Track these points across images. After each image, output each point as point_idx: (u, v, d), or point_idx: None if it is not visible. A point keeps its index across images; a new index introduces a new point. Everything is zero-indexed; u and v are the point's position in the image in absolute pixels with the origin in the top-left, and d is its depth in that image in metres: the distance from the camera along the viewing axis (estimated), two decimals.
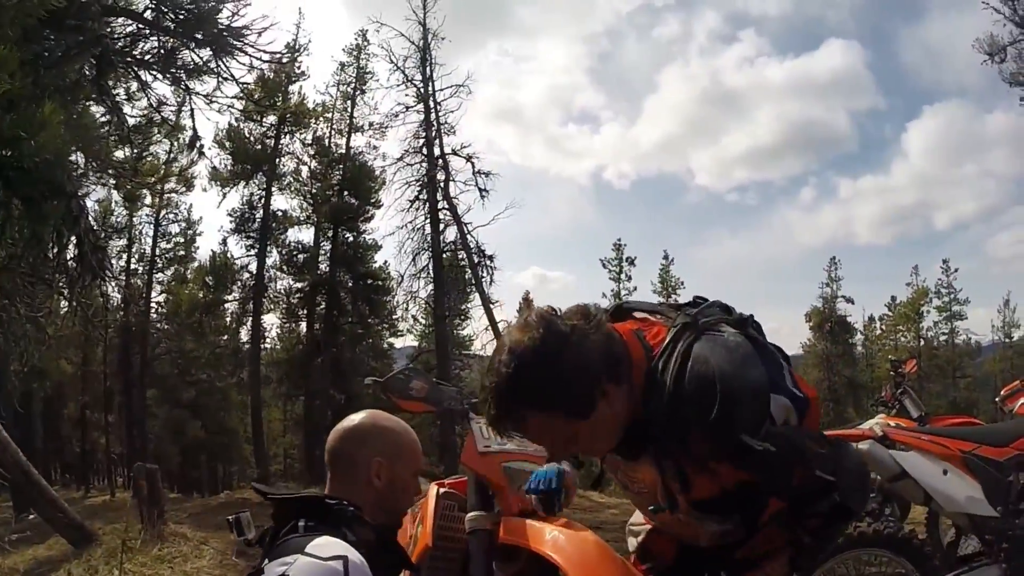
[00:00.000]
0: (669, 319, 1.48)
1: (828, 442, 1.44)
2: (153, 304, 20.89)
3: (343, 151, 19.91)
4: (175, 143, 14.76)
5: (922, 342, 24.73)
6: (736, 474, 1.42)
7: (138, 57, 5.75)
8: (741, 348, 1.36)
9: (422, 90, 18.39)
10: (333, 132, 19.97)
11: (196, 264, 21.27)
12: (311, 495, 1.54)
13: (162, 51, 5.74)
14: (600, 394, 1.35)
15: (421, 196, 18.33)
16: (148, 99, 6.53)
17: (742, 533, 1.56)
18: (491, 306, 18.30)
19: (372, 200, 20.05)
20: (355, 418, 1.60)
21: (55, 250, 4.82)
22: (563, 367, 1.31)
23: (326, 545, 1.33)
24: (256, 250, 19.54)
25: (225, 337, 21.80)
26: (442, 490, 2.37)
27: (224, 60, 5.90)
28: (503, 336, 1.42)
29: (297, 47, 17.84)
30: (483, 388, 1.40)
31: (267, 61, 6.24)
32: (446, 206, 18.27)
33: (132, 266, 20.34)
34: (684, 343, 1.37)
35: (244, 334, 21.07)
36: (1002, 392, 4.94)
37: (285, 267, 20.27)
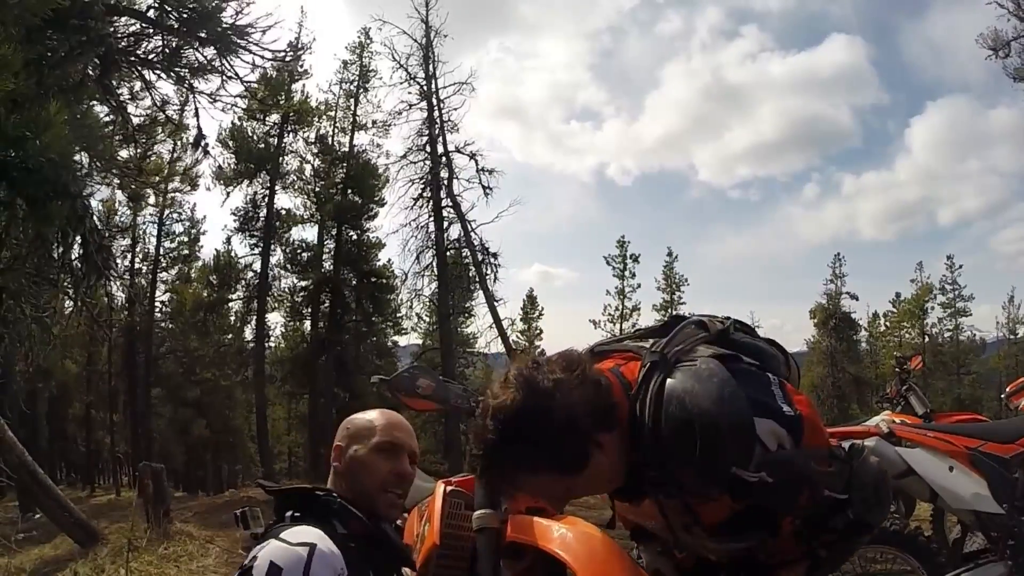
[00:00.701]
0: (641, 353, 1.41)
1: (838, 458, 1.37)
2: (157, 303, 21.00)
3: (346, 149, 19.96)
4: (179, 142, 14.82)
5: (926, 339, 24.66)
6: (741, 502, 1.37)
7: (142, 56, 5.76)
8: (716, 376, 1.28)
9: (425, 88, 18.41)
10: (336, 130, 20.05)
11: (200, 263, 21.43)
12: (300, 487, 1.57)
13: (166, 50, 5.75)
14: (594, 446, 1.30)
15: (425, 194, 18.36)
16: (152, 98, 6.55)
17: (761, 547, 1.50)
18: (495, 303, 18.36)
19: (376, 198, 20.10)
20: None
21: (60, 250, 4.83)
22: (550, 427, 1.26)
23: (299, 532, 1.39)
24: (260, 249, 19.60)
25: (229, 336, 21.88)
26: (449, 488, 2.36)
27: (228, 59, 5.90)
28: (485, 397, 1.35)
29: (300, 45, 17.82)
30: (472, 456, 1.36)
31: (270, 59, 6.24)
32: (450, 204, 18.30)
33: (136, 266, 20.44)
34: (655, 383, 1.31)
35: (248, 333, 21.18)
36: (1008, 389, 4.91)
37: (289, 266, 20.31)
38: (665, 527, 1.53)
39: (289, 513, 1.49)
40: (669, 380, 1.30)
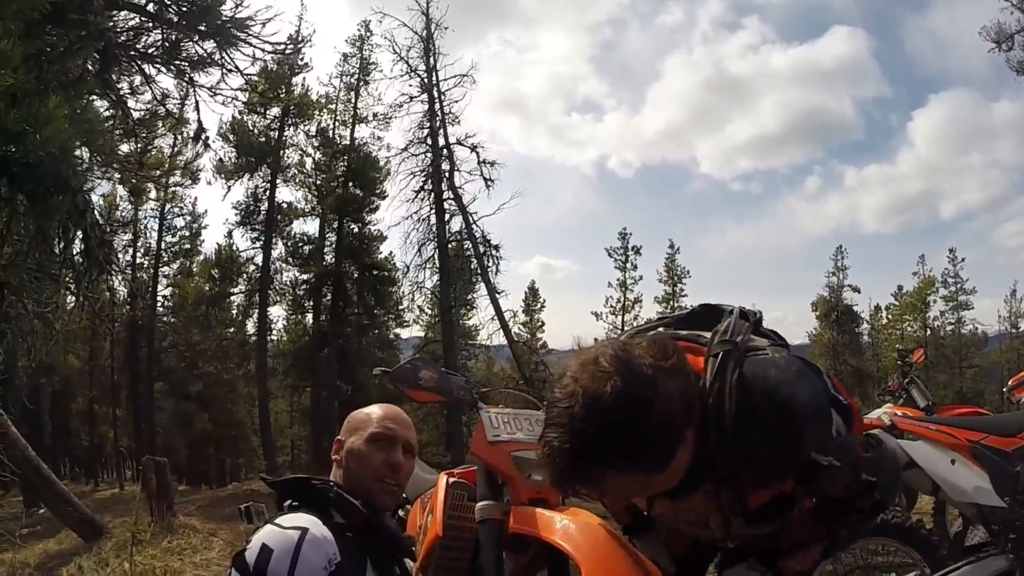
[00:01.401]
0: (700, 343, 1.39)
1: (873, 446, 1.45)
2: (159, 298, 21.05)
3: (347, 142, 19.94)
4: (179, 136, 14.81)
5: (928, 332, 24.63)
6: (789, 486, 1.41)
7: (141, 51, 5.74)
8: (793, 366, 1.31)
9: (426, 80, 18.36)
10: (337, 123, 20.04)
11: (202, 257, 21.47)
12: (298, 477, 1.61)
13: (166, 44, 5.73)
14: (679, 442, 1.22)
15: (426, 186, 18.34)
16: (152, 93, 6.54)
17: (783, 529, 1.52)
18: (497, 296, 18.36)
19: (377, 191, 20.10)
20: None
21: (61, 245, 4.83)
22: (650, 423, 1.15)
23: (292, 518, 1.43)
24: (261, 242, 19.63)
25: (231, 329, 21.92)
26: (451, 480, 2.37)
27: (228, 52, 5.88)
28: (570, 380, 1.19)
29: (300, 38, 17.74)
30: (547, 442, 1.20)
31: (271, 52, 6.21)
32: (451, 196, 18.29)
33: (138, 260, 20.48)
34: (732, 371, 1.28)
35: (250, 326, 21.25)
36: (1010, 383, 4.90)
37: (291, 259, 20.35)
38: (719, 522, 1.47)
39: (287, 502, 1.53)
40: (747, 369, 1.29)
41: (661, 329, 1.57)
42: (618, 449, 1.15)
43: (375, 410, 1.68)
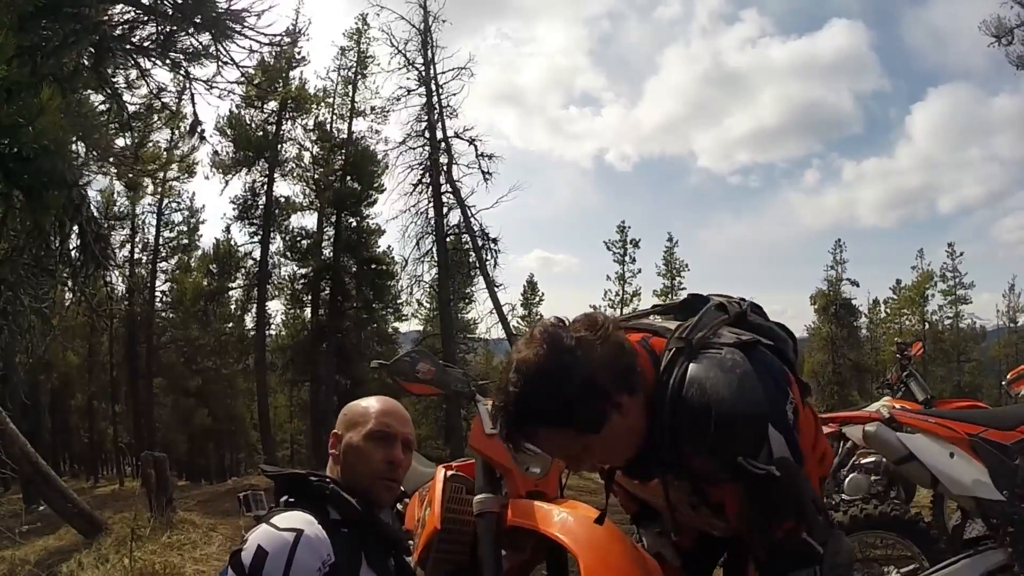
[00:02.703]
0: (665, 334, 1.45)
1: (822, 510, 1.40)
2: (158, 293, 21.04)
3: (345, 136, 19.87)
4: (176, 131, 14.74)
5: (927, 326, 24.69)
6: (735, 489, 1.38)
7: (137, 44, 5.70)
8: (738, 368, 1.31)
9: (424, 73, 18.27)
10: (335, 117, 19.96)
11: (200, 252, 21.47)
12: (295, 472, 1.60)
13: (160, 36, 5.69)
14: (612, 407, 1.31)
15: (424, 180, 18.30)
16: (148, 86, 6.49)
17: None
18: (495, 289, 18.35)
19: (375, 185, 20.05)
20: None
21: (57, 240, 4.81)
22: (570, 382, 1.28)
23: (289, 518, 1.43)
24: (259, 237, 19.57)
25: (230, 324, 21.93)
26: (449, 473, 2.37)
27: (224, 44, 5.84)
28: (511, 352, 1.39)
29: (297, 31, 17.71)
30: (494, 407, 1.37)
31: (267, 44, 6.16)
32: (449, 189, 18.24)
33: (136, 256, 20.44)
34: (680, 367, 1.34)
35: (249, 321, 21.22)
36: (1008, 376, 4.92)
37: (289, 253, 20.29)
38: (666, 507, 1.57)
39: (284, 498, 1.54)
40: (692, 365, 1.34)
41: (652, 318, 1.62)
42: (542, 405, 1.29)
43: (373, 404, 1.66)
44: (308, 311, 20.76)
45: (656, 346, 1.43)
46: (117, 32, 5.54)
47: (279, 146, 19.28)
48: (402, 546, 1.65)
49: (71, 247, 4.98)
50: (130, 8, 5.60)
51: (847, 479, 4.06)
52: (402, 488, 2.77)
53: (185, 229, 21.10)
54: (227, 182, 19.17)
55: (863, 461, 4.15)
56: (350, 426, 1.62)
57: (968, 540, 2.73)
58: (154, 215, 20.50)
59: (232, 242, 20.45)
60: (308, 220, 20.52)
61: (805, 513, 1.30)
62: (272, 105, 18.61)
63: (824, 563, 1.31)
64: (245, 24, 5.73)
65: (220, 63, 6.13)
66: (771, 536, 1.32)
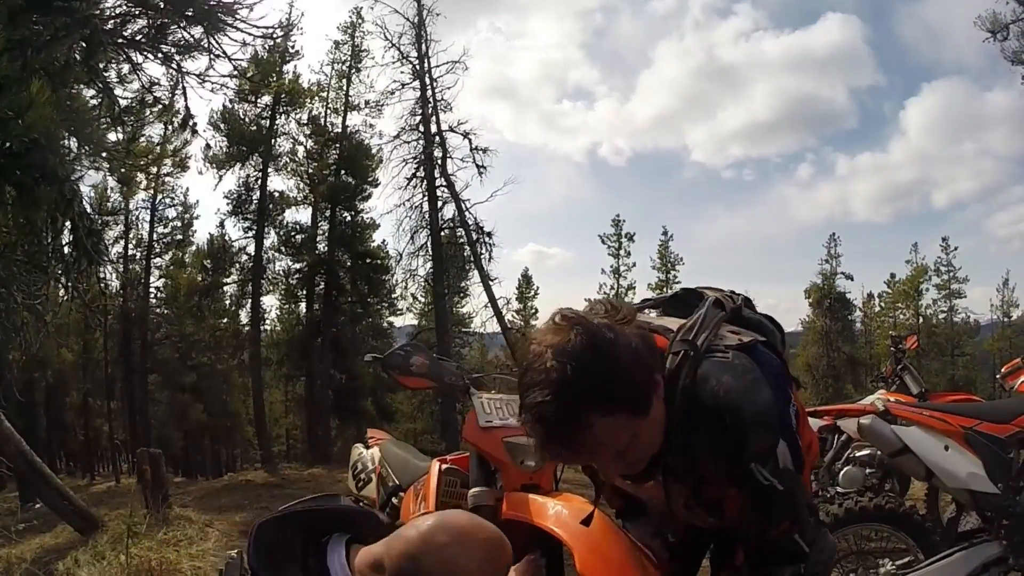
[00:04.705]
0: (665, 333, 1.41)
1: (815, 513, 1.45)
2: (152, 289, 20.92)
3: (339, 130, 19.74)
4: (169, 125, 14.67)
5: (921, 320, 24.79)
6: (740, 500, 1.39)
7: (128, 37, 5.65)
8: (750, 375, 1.30)
9: (418, 67, 18.17)
10: (329, 111, 19.80)
11: (194, 248, 21.31)
12: None
13: (152, 29, 5.64)
14: (654, 385, 1.26)
15: (418, 174, 18.21)
16: (140, 80, 6.44)
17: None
18: (490, 283, 18.30)
19: (369, 179, 19.99)
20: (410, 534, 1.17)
21: (49, 236, 4.78)
22: (620, 356, 1.19)
23: None
24: (254, 232, 19.44)
25: (225, 320, 21.83)
26: (444, 466, 2.37)
27: (216, 37, 5.79)
28: (532, 347, 1.24)
29: (290, 25, 17.58)
30: (528, 406, 1.21)
31: (259, 36, 6.11)
32: (444, 183, 18.17)
33: (130, 252, 20.32)
34: (688, 371, 1.31)
35: (244, 316, 21.11)
36: (1003, 370, 4.93)
37: (283, 248, 20.20)
38: (664, 505, 1.55)
39: None
40: (702, 370, 1.30)
41: (648, 311, 1.60)
42: (599, 386, 1.17)
43: (464, 556, 1.13)
44: (303, 306, 20.71)
45: (659, 343, 1.38)
46: (108, 26, 5.49)
47: (273, 140, 19.13)
48: None
49: (63, 243, 4.95)
50: (121, 1, 5.55)
51: (842, 472, 4.07)
52: (397, 482, 2.78)
53: (179, 224, 20.95)
54: (221, 177, 19.05)
55: (858, 454, 4.16)
56: None
57: (963, 533, 2.74)
58: (148, 211, 20.36)
59: (226, 237, 20.37)
60: (302, 215, 20.43)
61: (799, 517, 1.34)
62: (266, 99, 18.48)
63: (808, 560, 1.36)
64: (237, 16, 5.69)
65: (212, 56, 6.09)
66: (765, 535, 1.35)
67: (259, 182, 19.26)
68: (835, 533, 2.79)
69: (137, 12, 5.60)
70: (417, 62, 18.15)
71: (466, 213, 18.01)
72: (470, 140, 17.94)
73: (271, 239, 19.96)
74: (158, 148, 16.61)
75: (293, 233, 20.20)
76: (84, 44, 5.29)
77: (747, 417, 1.25)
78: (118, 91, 6.37)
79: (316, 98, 19.56)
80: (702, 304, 1.45)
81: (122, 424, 21.28)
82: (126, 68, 6.18)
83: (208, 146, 18.45)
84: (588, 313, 1.26)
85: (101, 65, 5.71)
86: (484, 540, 1.16)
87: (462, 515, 1.21)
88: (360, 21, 19.55)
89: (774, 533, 1.33)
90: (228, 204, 19.56)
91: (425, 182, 18.20)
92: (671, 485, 1.43)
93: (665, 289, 23.34)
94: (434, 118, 18.17)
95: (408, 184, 18.16)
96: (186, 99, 7.09)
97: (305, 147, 19.77)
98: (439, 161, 18.14)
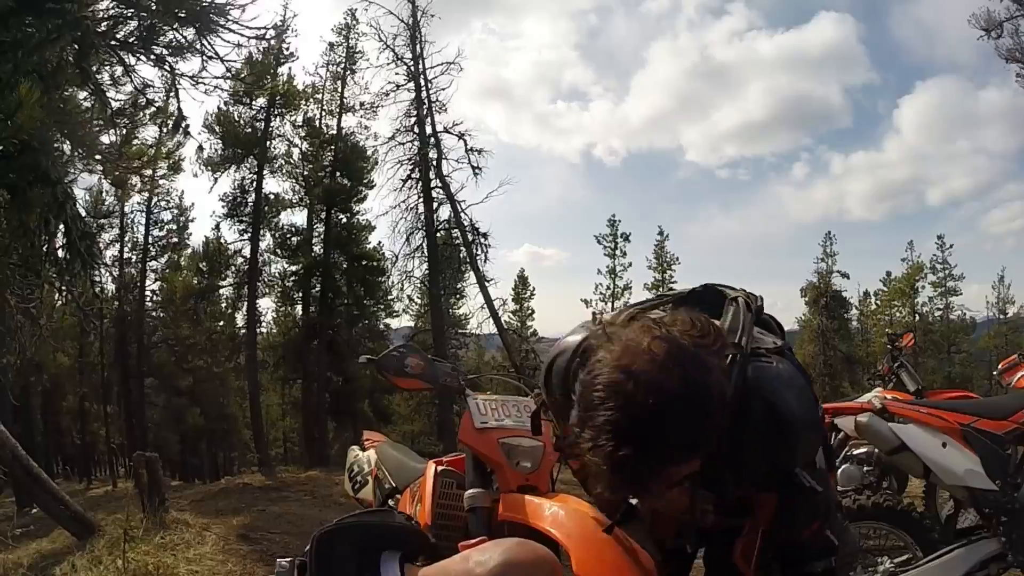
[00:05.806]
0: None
1: (841, 511, 1.49)
2: (148, 292, 20.84)
3: (334, 132, 19.77)
4: (163, 128, 14.62)
5: (917, 318, 24.84)
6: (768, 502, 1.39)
7: (120, 39, 5.63)
8: (797, 381, 1.31)
9: (412, 68, 18.19)
10: (324, 113, 19.85)
11: (189, 251, 21.31)
12: None
13: (144, 31, 5.62)
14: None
15: (414, 175, 18.24)
16: (132, 82, 6.41)
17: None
18: (486, 284, 18.34)
19: (365, 180, 20.01)
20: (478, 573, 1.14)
21: (43, 239, 4.75)
22: (712, 408, 1.09)
23: None
24: (249, 234, 19.41)
25: (221, 323, 21.78)
26: (440, 468, 2.35)
27: (208, 38, 5.77)
28: (615, 373, 1.09)
29: (284, 26, 17.56)
30: (601, 447, 1.08)
31: (252, 37, 6.09)
32: (439, 184, 18.19)
33: (126, 255, 20.26)
34: (736, 377, 1.23)
35: (240, 319, 21.06)
36: (1000, 366, 4.94)
37: (279, 250, 20.21)
38: (682, 511, 1.44)
39: None
40: (751, 374, 1.26)
41: (667, 307, 1.52)
42: (689, 443, 1.09)
43: None
44: (299, 308, 20.71)
45: None
46: (100, 28, 5.47)
47: (268, 143, 19.11)
48: None
49: (57, 246, 4.92)
50: (113, 3, 5.53)
51: (840, 470, 4.07)
52: (393, 485, 2.76)
53: (174, 227, 20.90)
54: (216, 180, 19.04)
55: (855, 452, 4.17)
56: None
57: (961, 530, 2.73)
58: (143, 214, 20.31)
59: (222, 240, 20.28)
60: (298, 217, 20.45)
61: (830, 514, 1.38)
62: (260, 101, 18.48)
63: (838, 553, 1.39)
64: (229, 17, 5.67)
65: (205, 58, 6.06)
66: (798, 535, 1.37)
67: (254, 184, 19.25)
68: None
69: (129, 14, 5.58)
70: (411, 63, 18.19)
71: (461, 214, 18.05)
72: (465, 141, 18.01)
73: (267, 241, 20.00)
74: (152, 151, 16.53)
75: (289, 235, 20.21)
76: (76, 46, 5.27)
77: (800, 427, 1.26)
78: (111, 93, 6.34)
79: (311, 100, 19.61)
80: (732, 304, 1.40)
81: (118, 428, 21.20)
82: (119, 70, 6.16)
83: (201, 148, 18.44)
84: (680, 333, 1.16)
85: (93, 67, 5.69)
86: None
87: (526, 552, 1.16)
88: (354, 23, 19.59)
89: (807, 533, 1.36)
90: (223, 207, 19.58)
91: (420, 183, 18.22)
92: (698, 491, 1.35)
93: (661, 289, 23.38)
94: (429, 119, 18.23)
95: (403, 186, 18.22)
96: (179, 101, 7.07)
97: (300, 149, 19.81)
98: (434, 162, 18.17)
